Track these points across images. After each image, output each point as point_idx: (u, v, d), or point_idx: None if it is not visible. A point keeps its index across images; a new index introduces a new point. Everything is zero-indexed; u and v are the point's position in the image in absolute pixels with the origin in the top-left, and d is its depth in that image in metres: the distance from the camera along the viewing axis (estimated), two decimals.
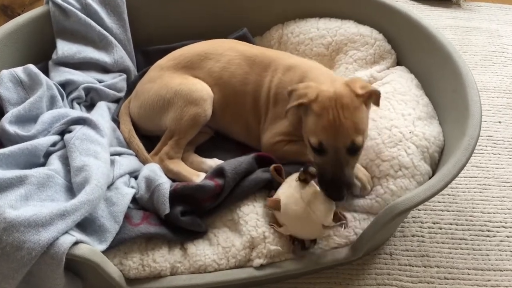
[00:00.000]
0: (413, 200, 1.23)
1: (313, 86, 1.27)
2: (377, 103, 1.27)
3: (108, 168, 1.28)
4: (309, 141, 1.24)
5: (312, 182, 1.26)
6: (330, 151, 1.20)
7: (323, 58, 1.75)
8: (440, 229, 1.58)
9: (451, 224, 1.60)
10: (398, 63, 1.70)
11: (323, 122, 1.21)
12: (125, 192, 1.30)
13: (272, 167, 1.32)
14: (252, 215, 1.32)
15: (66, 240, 1.09)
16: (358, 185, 1.37)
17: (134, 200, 1.33)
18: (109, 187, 1.30)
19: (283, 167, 1.40)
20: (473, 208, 1.65)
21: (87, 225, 1.21)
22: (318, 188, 1.25)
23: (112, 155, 1.40)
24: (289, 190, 1.27)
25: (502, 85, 2.10)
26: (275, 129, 1.47)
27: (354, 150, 1.22)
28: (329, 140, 1.20)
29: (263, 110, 1.49)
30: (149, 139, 1.58)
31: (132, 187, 1.36)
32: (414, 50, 1.64)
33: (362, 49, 1.70)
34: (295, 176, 1.29)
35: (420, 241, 1.55)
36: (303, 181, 1.26)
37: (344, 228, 1.28)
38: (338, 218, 1.26)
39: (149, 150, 1.52)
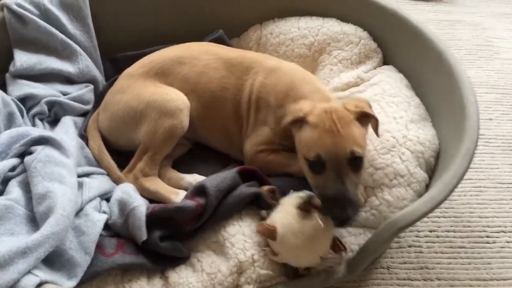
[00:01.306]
0: (414, 214, 1.13)
1: (306, 102, 1.24)
2: (375, 129, 1.23)
3: (75, 193, 1.15)
4: (306, 157, 1.17)
5: (315, 214, 1.14)
6: (329, 165, 1.13)
7: (306, 59, 1.67)
8: (438, 237, 1.50)
9: (448, 231, 1.52)
10: (385, 62, 1.63)
11: (320, 133, 1.15)
12: (96, 219, 1.17)
13: (265, 189, 1.19)
14: (238, 236, 1.20)
15: (29, 282, 0.96)
16: None
17: (107, 226, 1.21)
18: (77, 213, 1.17)
19: (271, 180, 1.31)
20: (471, 213, 1.57)
21: (53, 259, 1.09)
22: (320, 221, 1.12)
23: (79, 176, 1.27)
24: (286, 218, 1.14)
25: (490, 80, 2.03)
26: (258, 137, 1.38)
27: (356, 162, 1.14)
28: (328, 151, 1.13)
29: (244, 117, 1.40)
30: (122, 154, 1.46)
31: (104, 212, 1.23)
32: (401, 48, 1.57)
33: (346, 48, 1.62)
34: (292, 201, 1.16)
35: (417, 251, 1.46)
36: (303, 209, 1.14)
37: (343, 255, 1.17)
38: (337, 247, 1.16)
39: (122, 167, 1.41)
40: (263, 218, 1.21)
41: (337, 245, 1.16)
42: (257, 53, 1.53)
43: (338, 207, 1.10)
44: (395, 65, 1.59)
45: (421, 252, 1.46)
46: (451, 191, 1.17)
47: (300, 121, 1.20)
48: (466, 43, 2.22)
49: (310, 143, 1.16)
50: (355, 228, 1.28)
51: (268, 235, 1.14)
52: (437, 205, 1.14)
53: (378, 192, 1.27)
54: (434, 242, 1.49)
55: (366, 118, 1.21)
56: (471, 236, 1.51)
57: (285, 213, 1.15)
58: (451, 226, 1.53)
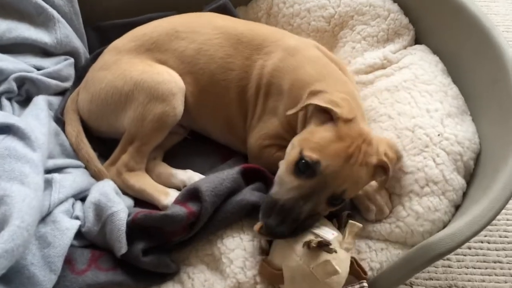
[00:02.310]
0: (456, 239, 0.94)
1: (352, 106, 1.05)
2: (381, 184, 1.09)
3: (40, 195, 0.96)
4: (303, 152, 0.99)
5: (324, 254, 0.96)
6: (315, 180, 0.97)
7: (324, 34, 1.48)
8: (470, 249, 1.32)
9: (482, 242, 1.34)
10: (417, 41, 1.45)
11: (339, 148, 0.98)
12: (66, 227, 0.99)
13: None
14: (238, 251, 1.05)
15: None
16: (373, 209, 1.11)
17: (80, 234, 1.04)
18: (43, 219, 0.99)
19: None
20: (508, 220, 1.39)
21: (11, 276, 0.91)
22: (329, 256, 0.94)
23: (50, 172, 1.08)
24: (292, 259, 0.96)
25: None
26: (264, 130, 1.21)
27: (336, 201, 1.01)
28: (330, 169, 0.97)
29: (250, 105, 1.23)
30: (106, 143, 1.30)
31: (77, 218, 1.05)
32: (438, 25, 1.38)
33: (372, 23, 1.43)
34: (302, 235, 0.99)
35: (446, 266, 1.30)
36: (311, 249, 0.95)
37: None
38: (357, 274, 0.99)
39: (106, 158, 1.25)
40: (263, 250, 1.04)
41: (356, 270, 1.00)
42: (272, 28, 1.34)
43: (280, 217, 0.96)
44: (429, 45, 1.40)
45: (449, 267, 1.30)
46: (501, 208, 0.97)
47: (330, 116, 1.03)
48: (503, 18, 1.98)
49: (321, 146, 0.99)
50: (376, 242, 1.11)
51: (274, 280, 0.99)
52: (484, 227, 0.95)
53: (406, 201, 1.11)
54: (465, 255, 1.33)
55: (381, 171, 1.05)
56: (507, 249, 1.34)
57: (290, 250, 0.98)
58: (485, 236, 1.36)
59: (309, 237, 0.97)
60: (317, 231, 0.99)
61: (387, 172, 1.03)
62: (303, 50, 1.21)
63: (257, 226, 0.99)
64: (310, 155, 0.97)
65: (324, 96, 1.04)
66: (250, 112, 1.24)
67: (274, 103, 1.19)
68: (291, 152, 1.03)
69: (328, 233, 0.98)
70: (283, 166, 1.03)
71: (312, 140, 1.00)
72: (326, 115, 1.03)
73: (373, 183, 1.13)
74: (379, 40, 1.41)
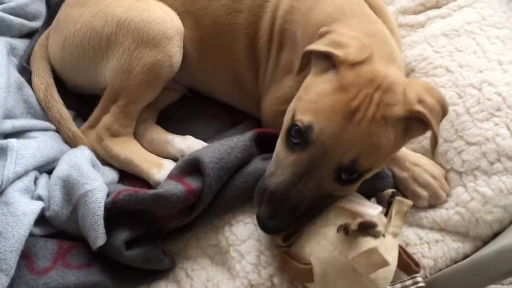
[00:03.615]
0: None
1: (364, 42, 0.80)
2: (432, 148, 0.80)
3: None
4: (294, 117, 0.78)
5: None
6: (313, 150, 0.75)
7: None
8: None
9: None
10: None
11: (337, 100, 0.75)
12: (23, 211, 0.79)
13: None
14: (251, 243, 0.86)
15: None
16: (423, 195, 0.90)
17: (43, 219, 0.84)
18: None
19: None
20: None
21: None
22: (374, 243, 0.73)
23: (6, 136, 0.88)
24: (325, 249, 0.76)
25: None
26: (278, 91, 0.99)
27: (346, 176, 0.77)
28: (326, 131, 0.74)
29: (262, 58, 1.01)
30: (86, 100, 1.09)
31: (40, 198, 0.83)
32: None
33: None
34: (328, 218, 0.79)
35: None
36: (348, 233, 0.74)
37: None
38: (406, 266, 0.78)
39: (84, 119, 1.05)
40: (286, 238, 0.81)
41: (405, 262, 0.80)
42: None
43: (270, 207, 0.77)
44: None
45: None
46: None
47: (329, 61, 0.78)
48: None
49: (314, 104, 0.77)
50: (429, 232, 0.91)
51: (300, 277, 0.80)
52: None
53: (469, 181, 0.91)
54: None
55: (420, 124, 0.79)
56: None
57: (320, 238, 0.78)
58: None
59: (343, 217, 0.77)
60: (354, 206, 0.78)
61: (430, 126, 0.78)
62: None
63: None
64: (301, 117, 0.75)
65: (326, 38, 0.81)
66: (263, 67, 1.02)
67: (288, 57, 0.96)
68: (285, 118, 0.83)
69: (370, 208, 0.78)
70: (279, 139, 0.82)
71: (305, 98, 0.79)
72: (328, 62, 0.80)
73: (421, 158, 0.92)
74: None
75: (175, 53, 0.97)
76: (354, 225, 0.72)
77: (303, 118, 0.75)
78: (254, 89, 1.05)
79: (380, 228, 0.72)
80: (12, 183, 0.81)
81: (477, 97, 0.93)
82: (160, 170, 0.95)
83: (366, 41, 0.81)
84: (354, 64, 0.76)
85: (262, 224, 0.77)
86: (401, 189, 0.91)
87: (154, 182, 0.93)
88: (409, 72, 1.04)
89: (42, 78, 1.03)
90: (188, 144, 1.00)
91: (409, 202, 0.80)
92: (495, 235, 0.88)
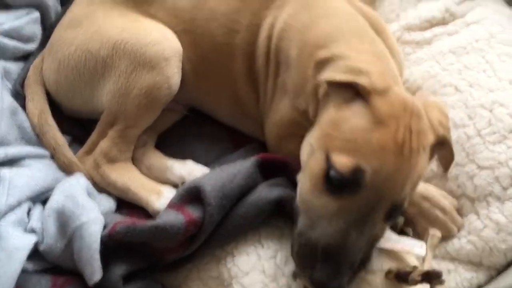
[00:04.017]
0: None
1: (379, 66, 0.78)
2: (446, 166, 0.84)
3: None
4: (330, 158, 0.71)
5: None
6: (365, 193, 0.69)
7: None
8: None
9: None
10: None
11: (384, 139, 0.69)
12: (15, 246, 0.75)
13: (416, 275, 0.71)
14: (255, 275, 0.81)
15: None
16: (434, 234, 0.83)
17: (37, 254, 0.80)
18: None
19: None
20: None
21: None
22: None
23: None
24: None
25: None
26: (278, 114, 0.94)
27: (395, 213, 0.73)
28: (381, 173, 0.69)
29: (261, 78, 0.97)
30: (83, 124, 1.05)
31: (33, 231, 0.80)
32: None
33: None
34: (378, 259, 0.75)
35: None
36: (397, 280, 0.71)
37: None
38: None
39: (81, 144, 1.01)
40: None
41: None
42: None
43: (332, 267, 0.69)
44: None
45: None
46: None
47: (354, 91, 0.73)
48: None
49: (356, 143, 0.70)
50: (441, 261, 0.89)
51: None
52: None
53: (482, 208, 0.88)
54: None
55: (438, 149, 0.79)
56: None
57: (365, 285, 0.73)
58: None
59: (387, 260, 0.74)
60: (396, 245, 0.75)
61: (449, 146, 0.79)
62: (325, 5, 0.92)
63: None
64: (345, 162, 0.69)
65: (339, 64, 0.76)
66: (262, 89, 0.98)
67: (283, 76, 0.92)
68: (311, 160, 0.75)
69: (415, 246, 0.75)
70: (306, 184, 0.75)
71: (340, 136, 0.72)
72: (349, 91, 0.74)
73: (430, 189, 0.88)
74: None
75: (174, 75, 0.94)
76: (417, 275, 0.69)
77: (346, 161, 0.69)
78: (255, 110, 1.01)
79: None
80: (4, 216, 0.78)
81: (488, 118, 0.90)
82: (159, 197, 0.91)
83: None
84: (381, 92, 0.72)
85: (325, 286, 0.69)
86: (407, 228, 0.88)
87: (153, 210, 0.89)
88: (416, 90, 1.01)
89: (37, 102, 0.99)
90: (188, 170, 0.97)
91: (439, 234, 0.78)
92: (510, 264, 0.84)
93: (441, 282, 0.69)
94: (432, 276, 0.68)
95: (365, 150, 0.69)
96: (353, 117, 0.72)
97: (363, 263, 0.71)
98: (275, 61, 0.93)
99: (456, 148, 0.89)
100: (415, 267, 0.70)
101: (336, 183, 0.69)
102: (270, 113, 0.95)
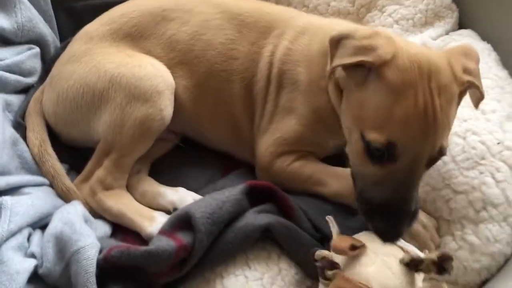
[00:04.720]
0: None
1: (384, 35, 0.82)
2: (476, 103, 0.86)
3: None
4: (365, 136, 0.80)
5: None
6: (403, 160, 0.79)
7: (347, 17, 1.31)
8: None
9: None
10: (462, 25, 1.29)
11: (405, 108, 0.77)
12: (16, 270, 0.79)
13: (322, 255, 0.78)
14: None
15: None
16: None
17: (36, 277, 0.83)
18: None
19: (292, 199, 0.93)
20: None
21: None
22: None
23: (0, 193, 0.88)
24: (389, 278, 0.75)
25: None
26: (278, 132, 1.01)
27: (437, 160, 0.84)
28: (411, 142, 0.78)
29: (259, 101, 1.05)
30: (81, 152, 1.10)
31: (33, 255, 0.84)
32: (488, 5, 1.22)
33: (407, 3, 1.26)
34: (393, 250, 0.79)
35: None
36: (412, 267, 0.76)
37: None
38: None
39: (79, 171, 1.06)
40: (331, 265, 0.79)
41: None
42: (282, 7, 1.18)
43: (391, 220, 0.80)
44: (477, 29, 1.24)
45: None
46: None
47: (367, 69, 0.81)
48: None
49: (382, 119, 0.79)
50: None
51: None
52: None
53: (457, 230, 0.93)
54: None
55: (467, 90, 0.86)
56: None
57: (385, 268, 0.76)
58: None
59: (399, 251, 0.79)
60: (405, 246, 0.81)
61: (478, 87, 0.83)
62: (315, 22, 1.03)
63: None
64: (377, 138, 0.78)
65: (346, 45, 0.82)
66: (259, 111, 1.04)
67: (289, 96, 1.00)
68: (351, 139, 0.85)
69: (417, 250, 0.82)
70: (353, 158, 0.86)
71: (366, 115, 0.81)
72: (362, 69, 0.82)
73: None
74: (415, 23, 1.24)
75: (166, 107, 1.00)
76: (434, 255, 0.73)
77: (379, 138, 0.78)
78: (248, 133, 1.07)
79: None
80: (5, 241, 0.81)
81: (462, 146, 0.95)
82: (152, 223, 0.95)
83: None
84: (392, 61, 0.78)
85: (399, 235, 0.79)
86: None
87: (146, 235, 0.94)
88: None
89: (37, 133, 1.04)
90: (179, 197, 1.01)
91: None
92: (484, 282, 0.89)
93: (452, 267, 0.73)
94: (445, 258, 0.73)
95: (391, 125, 0.77)
96: (373, 96, 0.80)
97: (415, 213, 0.81)
98: (277, 83, 1.01)
99: (433, 173, 0.96)
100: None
101: (376, 155, 0.79)
102: (267, 133, 1.02)
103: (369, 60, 0.78)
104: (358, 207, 0.84)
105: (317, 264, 0.78)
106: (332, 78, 0.87)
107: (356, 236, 0.83)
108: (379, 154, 0.79)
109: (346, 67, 0.82)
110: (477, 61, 0.86)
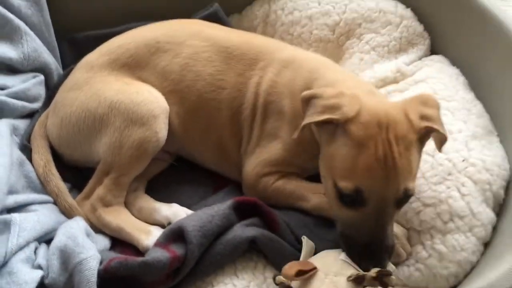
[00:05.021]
0: None
1: (348, 95, 0.90)
2: (439, 146, 0.91)
3: None
4: (337, 184, 0.87)
5: None
6: (371, 203, 0.85)
7: (327, 44, 1.34)
8: None
9: None
10: (434, 51, 1.33)
11: (367, 159, 0.84)
12: (24, 280, 0.85)
13: (290, 273, 0.84)
14: None
15: None
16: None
17: (42, 286, 0.89)
18: None
19: (278, 214, 1.00)
20: None
21: None
22: None
23: (9, 211, 0.94)
24: None
25: None
26: (263, 155, 1.07)
27: (404, 201, 0.89)
28: (375, 188, 0.84)
29: (246, 127, 1.11)
30: (80, 172, 1.16)
31: (40, 267, 0.90)
32: (457, 33, 1.26)
33: (383, 31, 1.31)
34: (340, 269, 0.86)
35: None
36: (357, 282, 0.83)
37: None
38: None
39: (81, 189, 1.11)
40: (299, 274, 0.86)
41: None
42: (267, 39, 1.23)
43: (371, 258, 0.86)
44: (448, 55, 1.28)
45: None
46: None
47: (334, 125, 0.88)
48: None
49: (349, 169, 0.86)
50: None
51: None
52: None
53: (427, 240, 0.98)
54: None
55: (429, 134, 0.91)
56: None
57: (332, 285, 0.84)
58: None
59: (349, 269, 0.86)
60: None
61: (437, 130, 0.88)
62: (297, 55, 1.10)
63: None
64: (345, 185, 0.85)
65: (315, 104, 0.89)
66: (246, 136, 1.11)
67: (275, 124, 1.06)
68: (326, 186, 0.93)
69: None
70: (331, 201, 0.92)
71: (337, 166, 0.88)
72: (330, 125, 0.89)
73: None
74: (390, 50, 1.28)
75: (161, 130, 1.06)
76: (373, 272, 0.81)
77: (347, 185, 0.85)
78: (236, 155, 1.12)
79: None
80: (15, 254, 0.88)
81: (431, 163, 1.01)
82: (148, 236, 1.01)
83: (346, 87, 0.93)
84: (355, 118, 0.86)
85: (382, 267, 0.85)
86: None
87: (143, 247, 0.99)
88: None
89: (42, 154, 1.10)
90: (173, 212, 1.06)
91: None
92: None
93: (390, 281, 0.81)
94: (384, 274, 0.81)
95: (357, 174, 0.84)
96: (340, 148, 0.87)
97: (392, 247, 0.87)
98: (263, 112, 1.07)
99: None
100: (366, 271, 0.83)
101: (348, 201, 0.86)
102: (253, 156, 1.08)
103: (335, 117, 0.85)
104: (341, 245, 0.90)
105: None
106: (304, 131, 0.93)
107: (314, 257, 0.91)
108: (350, 200, 0.86)
109: (317, 124, 0.89)
110: (435, 106, 0.91)
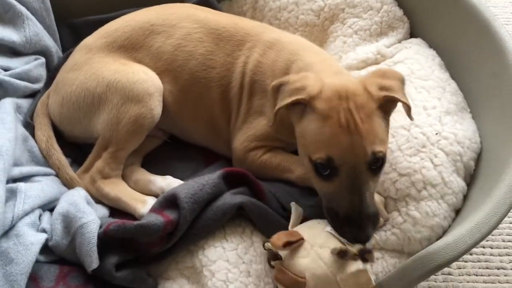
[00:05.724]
0: (456, 248, 0.86)
1: (311, 76, 0.96)
2: (408, 113, 0.96)
3: (1, 208, 0.89)
4: (311, 158, 0.92)
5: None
6: (343, 170, 0.89)
7: (313, 28, 1.39)
8: (471, 255, 1.25)
9: (484, 247, 1.27)
10: (413, 34, 1.37)
11: (332, 128, 0.90)
12: (30, 241, 0.91)
13: (278, 243, 0.91)
14: (220, 262, 0.98)
15: None
16: None
17: (47, 248, 0.96)
18: (5, 233, 0.92)
19: (265, 185, 1.06)
20: (511, 223, 1.27)
21: None
22: (361, 266, 0.88)
23: (15, 180, 1.01)
24: (320, 267, 0.89)
25: None
26: (250, 131, 1.13)
27: (377, 165, 0.91)
28: (343, 154, 0.89)
29: (234, 104, 1.16)
30: (80, 148, 1.22)
31: (44, 230, 0.96)
32: (434, 17, 1.31)
33: (364, 16, 1.36)
34: (325, 241, 0.92)
35: (446, 273, 1.20)
36: (342, 257, 0.88)
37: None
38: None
39: (80, 164, 1.17)
40: (274, 256, 0.93)
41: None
42: (254, 22, 1.26)
43: (354, 226, 0.89)
44: (426, 38, 1.33)
45: (450, 275, 1.22)
46: (506, 213, 0.89)
47: (303, 105, 0.94)
48: (502, 10, 1.88)
49: (318, 141, 0.91)
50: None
51: (292, 285, 0.89)
52: (487, 234, 0.88)
53: (402, 206, 1.03)
54: (466, 262, 1.24)
55: (392, 103, 0.96)
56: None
57: (318, 259, 0.89)
58: (487, 241, 1.27)
59: (333, 241, 0.90)
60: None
61: (397, 99, 0.93)
62: (281, 38, 1.15)
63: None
64: (318, 156, 0.90)
65: (284, 90, 0.96)
66: (234, 112, 1.16)
67: (260, 102, 1.12)
68: (305, 163, 0.97)
69: None
70: (311, 178, 0.97)
71: (308, 140, 0.94)
72: (299, 106, 0.95)
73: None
74: (371, 33, 1.34)
75: (156, 107, 1.11)
76: (356, 249, 0.87)
77: (320, 156, 0.89)
78: (226, 132, 1.18)
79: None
80: (21, 219, 0.94)
81: (407, 136, 1.07)
82: (144, 205, 1.07)
83: (315, 69, 1.00)
84: (318, 95, 0.92)
85: (360, 241, 0.89)
86: None
87: (139, 215, 1.06)
88: None
89: (44, 131, 1.15)
90: (167, 183, 1.12)
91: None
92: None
93: (371, 257, 0.87)
94: (366, 251, 0.87)
95: (326, 142, 0.90)
96: (309, 125, 0.93)
97: (376, 217, 0.90)
98: (249, 90, 1.13)
99: None
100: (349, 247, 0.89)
101: (324, 174, 0.91)
102: (241, 131, 1.13)
103: (301, 97, 0.92)
104: (327, 218, 0.94)
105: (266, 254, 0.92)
106: (276, 118, 0.98)
107: (300, 226, 0.97)
108: (325, 172, 0.91)
109: (288, 107, 0.95)
110: (395, 77, 0.96)
